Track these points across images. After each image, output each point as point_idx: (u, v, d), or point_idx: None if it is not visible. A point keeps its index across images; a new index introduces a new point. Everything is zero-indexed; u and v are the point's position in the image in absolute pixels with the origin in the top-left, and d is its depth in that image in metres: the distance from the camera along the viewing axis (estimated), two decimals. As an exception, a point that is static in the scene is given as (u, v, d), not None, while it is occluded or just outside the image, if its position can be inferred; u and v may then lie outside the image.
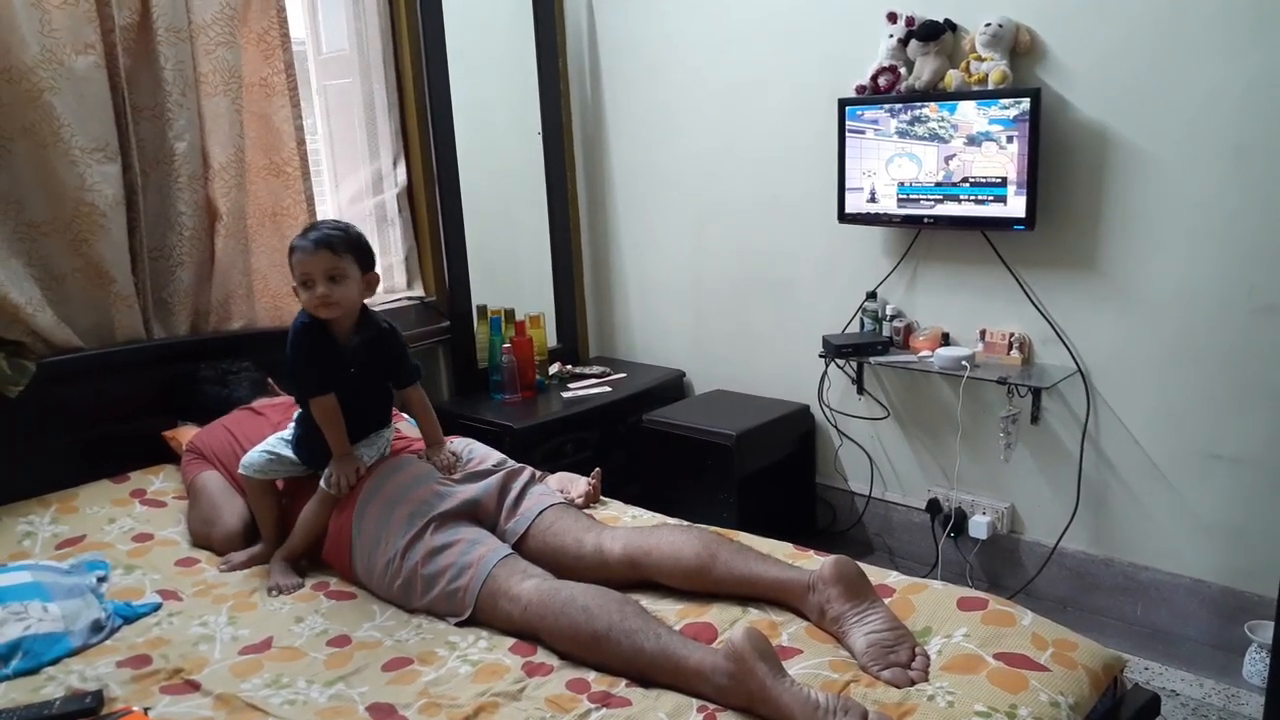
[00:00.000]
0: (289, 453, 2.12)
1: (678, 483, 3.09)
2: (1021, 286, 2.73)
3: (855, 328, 3.07)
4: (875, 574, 1.87)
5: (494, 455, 2.20)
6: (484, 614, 1.82)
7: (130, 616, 1.89)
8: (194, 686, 1.65)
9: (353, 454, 2.07)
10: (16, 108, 2.31)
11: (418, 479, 2.05)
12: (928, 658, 1.60)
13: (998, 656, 1.57)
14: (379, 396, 2.17)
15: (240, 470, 2.13)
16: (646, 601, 1.84)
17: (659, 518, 2.24)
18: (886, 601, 1.74)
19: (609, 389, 3.37)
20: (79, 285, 2.48)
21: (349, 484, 2.03)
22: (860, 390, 3.12)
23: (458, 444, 2.22)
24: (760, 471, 3.13)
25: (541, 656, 1.70)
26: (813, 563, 1.93)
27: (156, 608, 1.93)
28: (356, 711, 1.56)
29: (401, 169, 3.29)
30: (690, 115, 3.38)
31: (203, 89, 2.61)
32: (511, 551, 1.92)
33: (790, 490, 3.32)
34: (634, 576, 1.90)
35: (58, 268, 2.45)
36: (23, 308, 2.31)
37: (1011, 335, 2.74)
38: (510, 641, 1.75)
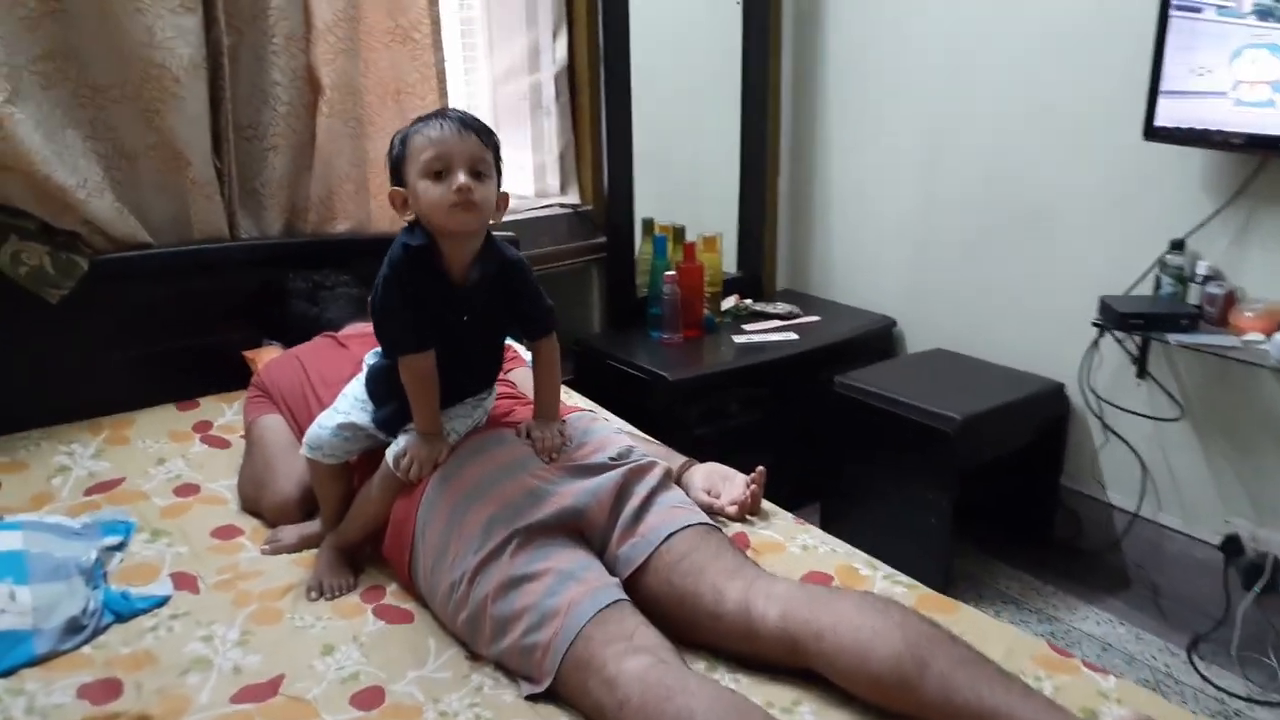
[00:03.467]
0: (369, 421, 1.56)
1: (875, 470, 2.40)
2: None
3: (1146, 288, 2.23)
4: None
5: (617, 441, 1.57)
6: (567, 689, 1.24)
7: (124, 613, 1.43)
8: (150, 754, 1.17)
9: (440, 435, 1.50)
10: (70, -65, 1.83)
11: (507, 468, 1.47)
12: None
13: None
14: (491, 353, 1.59)
15: (304, 452, 1.58)
16: (809, 707, 1.21)
17: (844, 550, 1.58)
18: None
19: (795, 336, 2.69)
20: (153, 167, 2.04)
21: (419, 474, 1.48)
22: (1141, 373, 2.29)
23: (575, 422, 1.62)
24: (987, 464, 2.39)
25: (636, 793, 1.10)
26: (1079, 685, 1.23)
27: (161, 602, 1.47)
28: None
29: (562, 43, 2.66)
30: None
31: (305, -79, 2.06)
32: (619, 597, 1.31)
33: (1022, 487, 2.57)
34: (792, 661, 1.27)
35: (128, 144, 2.01)
36: (72, 191, 1.87)
37: (1401, 324, 1.85)
38: (597, 748, 1.17)
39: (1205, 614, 2.24)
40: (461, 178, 1.36)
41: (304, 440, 1.57)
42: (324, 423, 1.56)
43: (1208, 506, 2.25)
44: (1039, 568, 2.50)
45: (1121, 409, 2.33)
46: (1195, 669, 2.13)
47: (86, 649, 1.36)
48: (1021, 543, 2.56)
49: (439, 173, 1.37)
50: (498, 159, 1.45)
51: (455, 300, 1.45)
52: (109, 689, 1.28)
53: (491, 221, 1.46)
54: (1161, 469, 2.32)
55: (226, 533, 1.68)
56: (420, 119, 1.43)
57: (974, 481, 2.38)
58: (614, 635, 1.24)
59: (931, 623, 1.23)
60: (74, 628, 1.38)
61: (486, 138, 1.42)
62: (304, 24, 2.10)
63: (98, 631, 1.40)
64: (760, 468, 1.70)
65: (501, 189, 1.47)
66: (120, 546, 1.60)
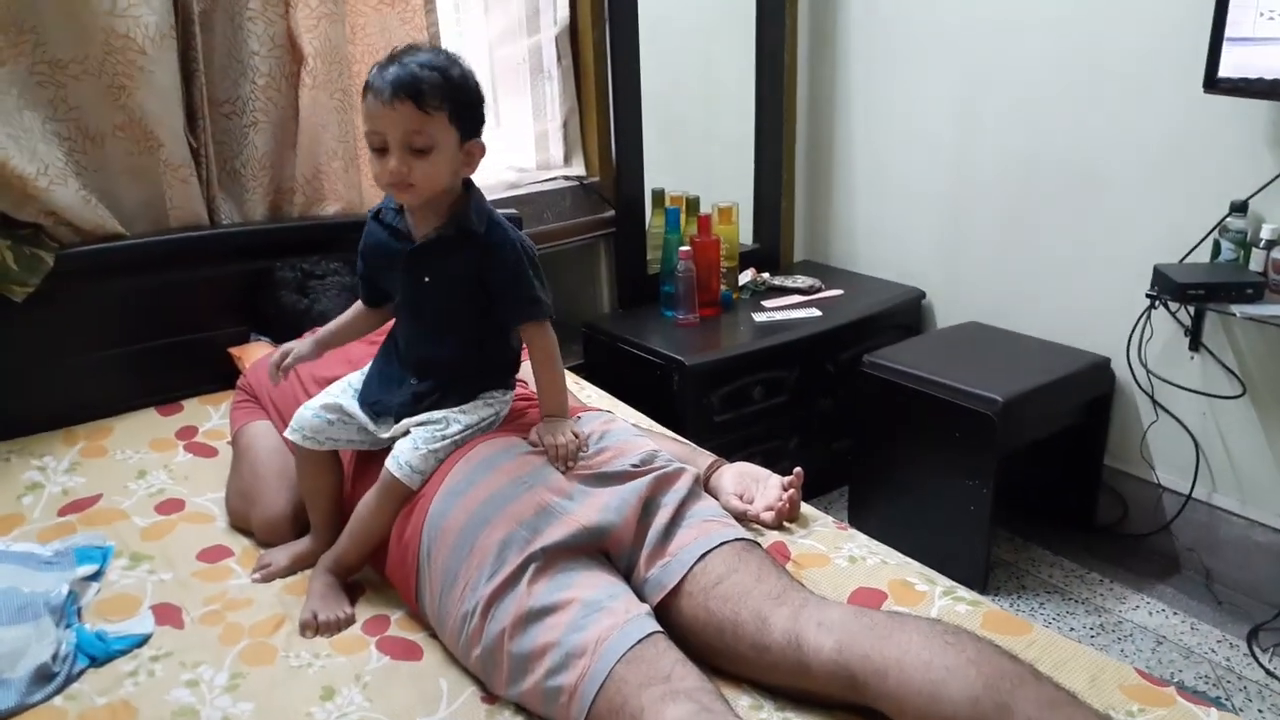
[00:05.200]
0: (354, 404, 1.44)
1: (908, 456, 2.25)
2: None
3: (1202, 255, 2.06)
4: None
5: (639, 446, 1.42)
6: (599, 738, 1.10)
7: (100, 656, 1.29)
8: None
9: (309, 342, 1.48)
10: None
11: (520, 481, 1.31)
12: None
13: None
14: (475, 339, 1.42)
15: (287, 434, 1.46)
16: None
17: (896, 561, 1.43)
18: None
19: (818, 312, 2.52)
20: (122, 150, 1.86)
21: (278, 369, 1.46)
22: (1194, 346, 2.13)
23: (590, 422, 1.47)
24: (1027, 446, 2.24)
25: None
26: (1181, 721, 1.09)
27: (141, 641, 1.32)
28: None
29: (563, 1, 2.46)
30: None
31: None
32: (653, 629, 1.17)
33: (1061, 468, 2.41)
34: (850, 698, 1.13)
35: (93, 125, 1.83)
36: (32, 179, 1.71)
37: None
38: (634, 811, 1.03)
39: (1265, 601, 2.10)
40: (393, 163, 1.27)
41: (291, 422, 1.45)
42: (311, 403, 1.45)
43: (1268, 488, 2.10)
44: (1082, 554, 2.36)
45: (1175, 385, 2.17)
46: (1258, 661, 1.99)
47: (58, 700, 1.22)
48: (1062, 528, 2.42)
49: (379, 149, 1.28)
50: (462, 110, 1.29)
51: (411, 257, 1.36)
52: (81, 750, 1.14)
53: (466, 174, 1.36)
54: (1217, 448, 2.17)
55: (214, 554, 1.53)
56: (378, 66, 1.28)
57: (1010, 463, 2.23)
58: (649, 676, 1.10)
59: (1011, 657, 1.08)
60: (43, 676, 1.24)
61: (433, 98, 1.25)
62: (281, -14, 1.92)
63: (70, 679, 1.25)
64: (798, 469, 1.54)
65: (478, 139, 1.34)
66: (96, 575, 1.46)
